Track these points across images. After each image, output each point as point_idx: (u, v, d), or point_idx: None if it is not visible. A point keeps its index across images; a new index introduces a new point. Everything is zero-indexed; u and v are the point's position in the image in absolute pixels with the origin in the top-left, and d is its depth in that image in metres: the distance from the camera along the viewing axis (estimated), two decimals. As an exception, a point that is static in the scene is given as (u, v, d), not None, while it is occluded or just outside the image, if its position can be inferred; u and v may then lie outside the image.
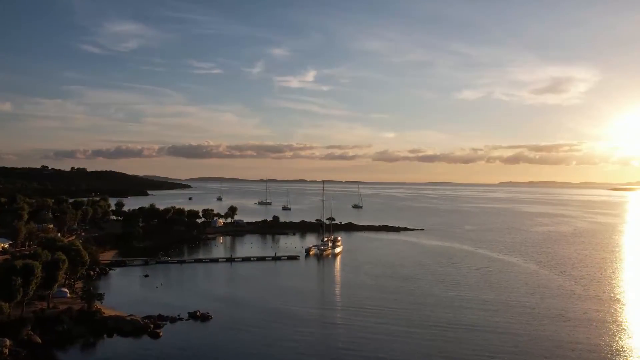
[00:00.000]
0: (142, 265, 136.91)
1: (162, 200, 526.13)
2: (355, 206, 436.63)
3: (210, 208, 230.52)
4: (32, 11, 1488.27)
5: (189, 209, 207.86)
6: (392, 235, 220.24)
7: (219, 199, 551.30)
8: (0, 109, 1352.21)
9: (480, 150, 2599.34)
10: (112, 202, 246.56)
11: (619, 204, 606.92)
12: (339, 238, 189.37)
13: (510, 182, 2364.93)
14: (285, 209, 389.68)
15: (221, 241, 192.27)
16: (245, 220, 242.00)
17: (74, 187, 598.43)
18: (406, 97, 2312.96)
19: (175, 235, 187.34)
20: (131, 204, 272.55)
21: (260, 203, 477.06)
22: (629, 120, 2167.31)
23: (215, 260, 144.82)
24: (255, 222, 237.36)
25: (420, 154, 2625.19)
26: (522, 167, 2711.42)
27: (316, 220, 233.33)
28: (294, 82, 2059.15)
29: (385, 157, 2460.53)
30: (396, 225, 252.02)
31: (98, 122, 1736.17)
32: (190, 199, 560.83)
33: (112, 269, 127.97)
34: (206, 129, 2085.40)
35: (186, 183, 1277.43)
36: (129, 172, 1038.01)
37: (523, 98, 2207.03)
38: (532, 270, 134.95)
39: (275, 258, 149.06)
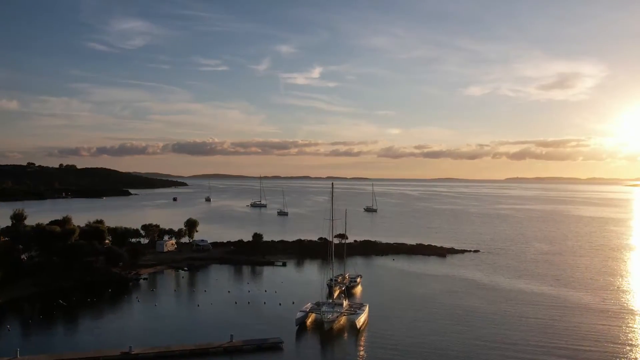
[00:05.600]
0: None
1: (141, 202, 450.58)
2: (369, 209, 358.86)
3: (155, 223, 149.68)
4: (38, 9, 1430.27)
5: (115, 226, 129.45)
6: (436, 264, 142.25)
7: (208, 199, 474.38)
8: (6, 107, 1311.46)
9: (487, 146, 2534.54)
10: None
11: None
12: (359, 279, 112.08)
13: (517, 177, 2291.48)
14: (281, 214, 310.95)
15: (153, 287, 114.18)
16: (213, 239, 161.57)
17: (43, 187, 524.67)
18: (412, 94, 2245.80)
19: (80, 276, 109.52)
20: (87, 208, 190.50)
21: (253, 205, 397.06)
22: (636, 116, 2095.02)
23: (94, 361, 66.31)
24: (228, 242, 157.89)
25: (425, 150, 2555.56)
26: (529, 163, 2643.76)
27: (319, 239, 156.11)
28: (299, 79, 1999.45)
29: (390, 154, 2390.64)
30: (437, 244, 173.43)
31: (104, 119, 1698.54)
32: (175, 199, 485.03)
33: None
34: (211, 126, 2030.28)
35: (185, 181, 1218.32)
36: (132, 170, 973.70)
37: (529, 94, 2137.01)
38: None
39: (231, 350, 68.85)
